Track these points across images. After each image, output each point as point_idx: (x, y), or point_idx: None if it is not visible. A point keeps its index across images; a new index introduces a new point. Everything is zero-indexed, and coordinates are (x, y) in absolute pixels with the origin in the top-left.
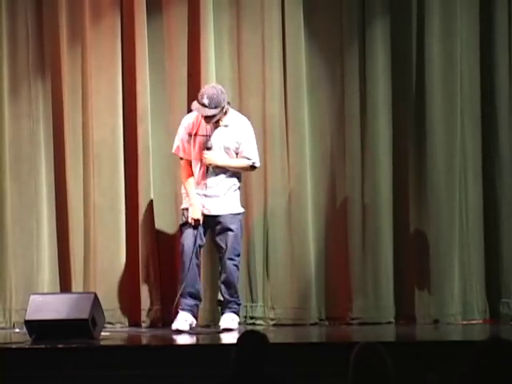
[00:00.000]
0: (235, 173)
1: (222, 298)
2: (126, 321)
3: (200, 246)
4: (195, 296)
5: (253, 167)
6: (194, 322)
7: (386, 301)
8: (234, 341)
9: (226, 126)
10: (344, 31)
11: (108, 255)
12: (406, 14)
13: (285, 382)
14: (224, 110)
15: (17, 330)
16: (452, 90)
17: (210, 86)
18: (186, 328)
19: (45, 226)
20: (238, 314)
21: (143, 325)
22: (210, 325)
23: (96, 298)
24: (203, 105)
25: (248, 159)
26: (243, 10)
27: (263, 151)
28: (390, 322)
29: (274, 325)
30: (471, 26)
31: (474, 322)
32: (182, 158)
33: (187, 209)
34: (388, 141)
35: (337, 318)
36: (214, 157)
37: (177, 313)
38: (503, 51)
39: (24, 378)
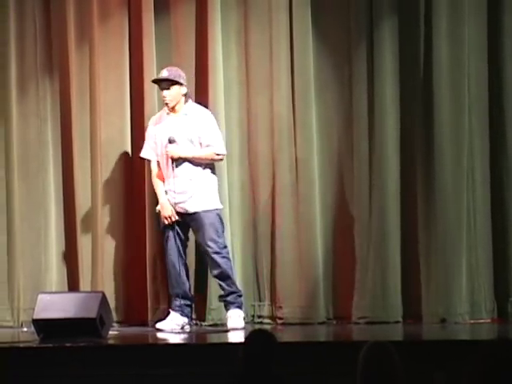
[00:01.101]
0: (206, 167)
1: (222, 293)
2: (133, 320)
3: (182, 245)
4: (183, 296)
5: (218, 155)
6: (185, 321)
7: (393, 300)
8: (239, 339)
9: (185, 114)
10: (352, 32)
11: (115, 254)
12: (413, 16)
13: (292, 382)
14: (182, 90)
15: (25, 329)
16: (460, 90)
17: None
18: (169, 328)
19: (52, 225)
20: (241, 308)
21: (150, 324)
22: (218, 323)
23: (104, 297)
24: (162, 75)
25: (211, 148)
26: (251, 10)
27: (271, 151)
28: (397, 321)
29: (282, 324)
30: (479, 27)
31: (482, 321)
32: (149, 161)
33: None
34: (396, 142)
35: (344, 317)
36: (177, 149)
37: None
38: (511, 52)
39: (32, 376)
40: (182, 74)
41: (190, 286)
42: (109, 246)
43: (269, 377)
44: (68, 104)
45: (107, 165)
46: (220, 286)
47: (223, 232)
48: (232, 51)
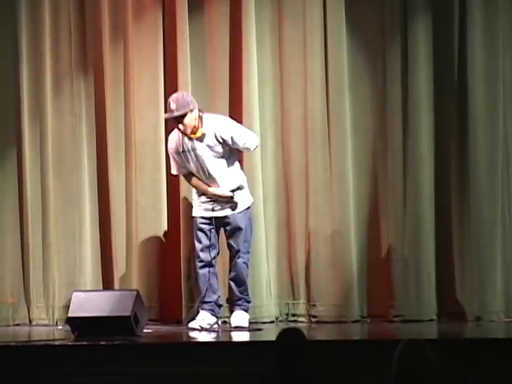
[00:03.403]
0: (235, 166)
1: (230, 296)
2: (167, 318)
3: (214, 254)
4: (214, 302)
5: (256, 147)
6: (215, 320)
7: (427, 298)
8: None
9: (203, 134)
10: (386, 27)
11: (150, 253)
12: (447, 10)
13: (326, 380)
14: (194, 114)
15: (60, 327)
16: (494, 87)
17: (175, 93)
18: (203, 326)
19: (87, 224)
20: (247, 312)
21: (184, 322)
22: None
23: (138, 296)
24: (171, 110)
25: (246, 145)
26: (285, 5)
27: (305, 147)
28: (431, 320)
29: (316, 322)
30: None
31: None
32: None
33: (199, 216)
34: (430, 138)
35: (379, 316)
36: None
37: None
38: None
39: (67, 374)
40: (189, 99)
41: (220, 293)
42: (143, 245)
43: (302, 375)
44: (102, 101)
45: (142, 162)
46: (232, 289)
47: (252, 236)
48: (266, 46)
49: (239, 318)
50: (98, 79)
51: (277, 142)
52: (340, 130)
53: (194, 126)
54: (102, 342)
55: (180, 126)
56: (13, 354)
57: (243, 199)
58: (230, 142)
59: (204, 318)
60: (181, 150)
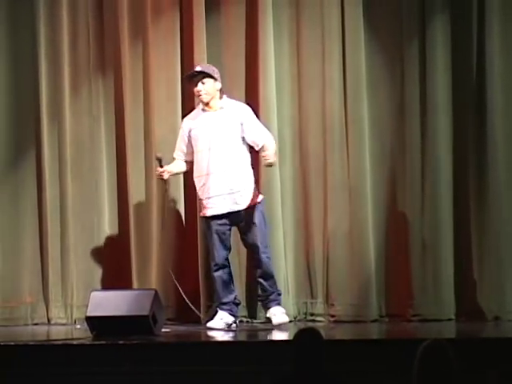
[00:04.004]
0: (245, 160)
1: (261, 293)
2: (185, 318)
3: (227, 253)
4: (231, 302)
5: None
6: (234, 319)
7: (446, 297)
8: (286, 336)
9: (221, 108)
10: (404, 30)
11: (168, 252)
12: (466, 14)
13: (345, 380)
14: (217, 86)
15: (78, 326)
16: None
17: None
18: (221, 326)
19: (106, 224)
20: (281, 305)
21: (203, 321)
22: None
23: (156, 295)
24: (195, 69)
25: (266, 145)
26: (302, 6)
27: (323, 147)
28: (450, 319)
29: (334, 321)
30: None
31: None
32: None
33: (209, 217)
34: (448, 139)
35: (397, 315)
36: (271, 158)
37: (216, 312)
38: None
39: (85, 373)
40: (216, 70)
41: (236, 293)
42: (161, 244)
43: (319, 375)
44: (121, 102)
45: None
46: (262, 285)
47: (267, 229)
48: (284, 47)
49: (278, 314)
50: (116, 81)
51: (294, 142)
52: (358, 131)
53: (212, 97)
54: (120, 342)
55: (199, 85)
56: (32, 352)
57: (252, 195)
58: (240, 127)
59: (222, 318)
60: (194, 126)
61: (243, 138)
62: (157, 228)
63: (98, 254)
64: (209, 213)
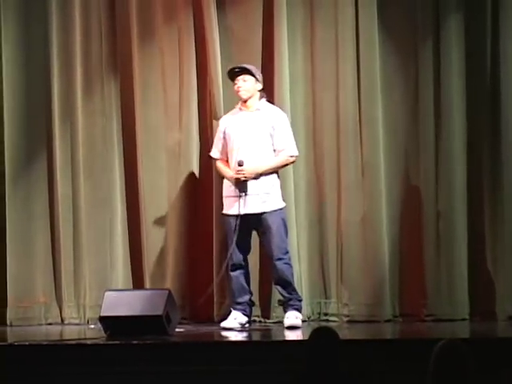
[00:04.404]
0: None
1: (281, 298)
2: (199, 317)
3: (246, 254)
4: (246, 302)
5: (292, 157)
6: (247, 319)
7: (460, 297)
8: (296, 337)
9: (258, 109)
10: (418, 29)
11: (181, 251)
12: (480, 13)
13: (359, 380)
14: (257, 86)
15: (91, 326)
16: None
17: None
18: (235, 326)
19: (118, 223)
20: (300, 311)
21: (216, 319)
22: (282, 321)
23: (170, 295)
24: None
25: (285, 151)
26: (316, 6)
27: (337, 147)
28: (464, 319)
29: (348, 321)
30: None
31: None
32: (217, 159)
33: (230, 215)
34: (462, 139)
35: (411, 315)
36: (251, 169)
37: (230, 312)
38: None
39: (99, 373)
40: (259, 72)
41: (252, 293)
42: (175, 244)
43: (334, 375)
44: (133, 103)
45: (173, 163)
46: (280, 292)
47: (287, 236)
48: (298, 48)
49: (292, 317)
50: (128, 80)
51: (308, 142)
52: (372, 131)
53: (251, 96)
54: (134, 342)
55: (240, 81)
56: (46, 352)
57: (275, 200)
58: (271, 130)
59: (236, 318)
60: (229, 124)
61: (272, 143)
62: (169, 227)
63: (111, 254)
64: (231, 211)
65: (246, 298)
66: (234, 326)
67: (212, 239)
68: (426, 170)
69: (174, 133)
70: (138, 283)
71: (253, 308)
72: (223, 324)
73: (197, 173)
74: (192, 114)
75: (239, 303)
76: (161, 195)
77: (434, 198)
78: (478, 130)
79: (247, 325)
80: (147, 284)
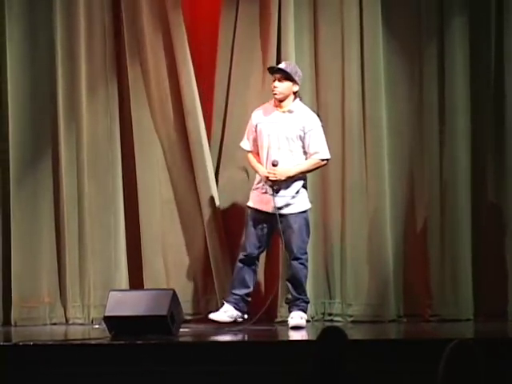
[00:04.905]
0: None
1: (288, 295)
2: (198, 314)
3: (261, 252)
4: (240, 296)
5: (323, 160)
6: (238, 314)
7: (465, 298)
8: (300, 337)
9: (290, 111)
10: (422, 29)
11: (178, 250)
12: (484, 13)
13: (363, 380)
14: (294, 88)
15: (96, 326)
16: None
17: None
18: (223, 319)
19: (122, 223)
20: (305, 312)
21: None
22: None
23: (174, 295)
24: (279, 66)
25: (317, 154)
26: (321, 6)
27: (341, 147)
28: (469, 319)
29: (352, 322)
30: None
31: None
32: (249, 152)
33: (254, 209)
34: (466, 139)
35: (415, 315)
36: (283, 171)
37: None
38: None
39: (103, 373)
40: (299, 72)
41: (251, 290)
42: (176, 243)
43: (342, 374)
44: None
45: (177, 163)
46: (288, 288)
47: (309, 237)
48: (303, 47)
49: (297, 317)
50: (133, 80)
51: None
52: (376, 131)
53: (286, 96)
54: (139, 342)
55: (277, 82)
56: (50, 352)
57: (300, 202)
58: (302, 133)
59: (226, 311)
60: (261, 120)
61: (302, 146)
62: (173, 226)
63: (115, 254)
64: (256, 206)
65: (243, 291)
66: (223, 318)
67: (223, 236)
68: (430, 170)
69: (180, 134)
70: (135, 282)
71: (247, 306)
72: (211, 316)
73: (198, 173)
74: (197, 114)
75: (234, 294)
76: (161, 195)
77: (438, 198)
78: (483, 131)
79: (239, 319)
80: (145, 284)
